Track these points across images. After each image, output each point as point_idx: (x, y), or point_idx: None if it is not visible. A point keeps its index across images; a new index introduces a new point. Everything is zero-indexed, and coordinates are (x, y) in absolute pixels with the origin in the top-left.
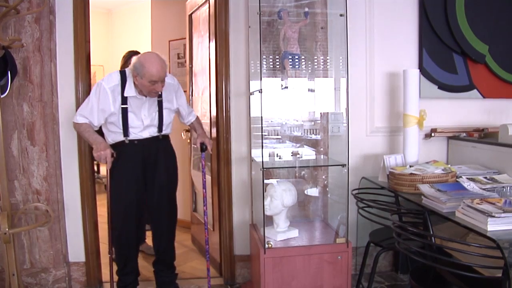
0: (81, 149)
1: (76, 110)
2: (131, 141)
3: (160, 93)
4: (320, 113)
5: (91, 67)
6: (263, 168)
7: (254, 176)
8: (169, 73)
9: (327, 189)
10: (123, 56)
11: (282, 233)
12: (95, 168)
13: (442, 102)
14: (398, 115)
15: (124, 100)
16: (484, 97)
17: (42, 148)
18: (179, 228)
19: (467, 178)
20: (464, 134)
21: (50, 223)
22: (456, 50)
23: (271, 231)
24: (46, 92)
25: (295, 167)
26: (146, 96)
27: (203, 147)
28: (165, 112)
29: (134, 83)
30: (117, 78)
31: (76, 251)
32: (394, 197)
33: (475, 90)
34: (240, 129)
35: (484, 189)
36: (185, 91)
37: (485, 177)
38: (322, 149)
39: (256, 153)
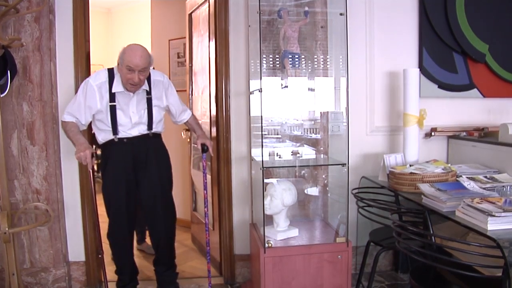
0: None
1: None
2: (121, 139)
3: (148, 90)
4: (320, 112)
5: (91, 66)
6: (263, 167)
7: (254, 176)
8: (169, 72)
9: (327, 188)
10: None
11: (282, 232)
12: (95, 167)
13: (442, 101)
14: (398, 114)
15: (112, 97)
16: (484, 96)
17: (42, 148)
18: (179, 228)
19: (467, 177)
20: (464, 134)
21: (50, 223)
22: (456, 49)
23: (271, 230)
24: (45, 92)
25: (295, 166)
26: (133, 93)
27: (204, 148)
28: (154, 109)
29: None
30: (104, 75)
31: (76, 250)
32: (394, 196)
33: (475, 89)
34: (240, 129)
35: (484, 189)
36: (184, 90)
37: (485, 177)
38: (322, 148)
39: (256, 153)
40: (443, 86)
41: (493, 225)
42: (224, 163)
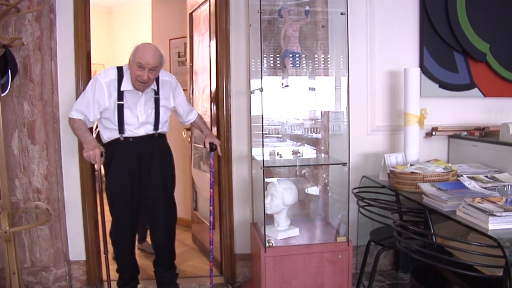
0: (81, 148)
1: None
2: (126, 138)
3: (156, 89)
4: (321, 111)
5: (92, 65)
6: (263, 166)
7: (255, 175)
8: (170, 71)
9: (328, 187)
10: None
11: (283, 231)
12: (95, 166)
13: (443, 101)
14: (399, 114)
15: (120, 96)
16: (485, 95)
17: (43, 147)
18: (179, 227)
19: (468, 177)
20: (465, 133)
21: (50, 222)
22: (457, 48)
23: (272, 229)
24: (46, 91)
25: (296, 165)
26: (142, 92)
27: (212, 147)
28: (161, 109)
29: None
30: (113, 73)
31: (77, 249)
32: (395, 196)
33: (476, 89)
34: (240, 128)
35: (485, 188)
36: (185, 90)
37: (486, 176)
38: (322, 147)
39: (256, 152)
40: (444, 85)
41: (494, 225)
42: (224, 163)
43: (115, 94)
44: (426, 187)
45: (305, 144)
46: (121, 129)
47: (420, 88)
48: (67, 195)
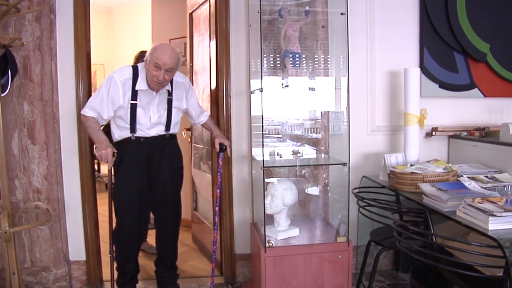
0: (81, 147)
1: (77, 109)
2: (137, 138)
3: (170, 90)
4: (321, 112)
5: (92, 66)
6: (263, 167)
7: (255, 175)
8: None
9: (328, 188)
10: (135, 56)
11: (283, 232)
12: (96, 166)
13: (443, 101)
14: (399, 114)
15: (134, 95)
16: (485, 96)
17: (43, 147)
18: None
19: (468, 177)
20: (465, 133)
21: (50, 222)
22: (457, 48)
23: (272, 230)
24: (46, 91)
25: (296, 166)
26: (156, 92)
27: (222, 148)
28: (174, 111)
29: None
30: (129, 72)
31: (77, 249)
32: (395, 196)
33: (476, 89)
34: (240, 128)
35: (485, 188)
36: None
37: (486, 176)
38: (322, 148)
39: (256, 152)
40: (444, 85)
41: (494, 225)
42: (224, 163)
43: (129, 93)
44: (426, 187)
45: (305, 144)
46: (133, 128)
47: (420, 88)
48: (67, 195)
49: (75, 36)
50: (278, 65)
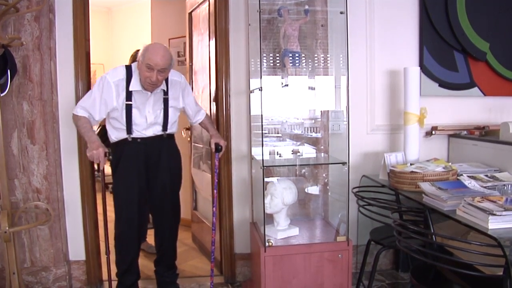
0: (81, 147)
1: None
2: (134, 139)
3: (165, 90)
4: (321, 111)
5: (91, 65)
6: (263, 166)
7: (255, 174)
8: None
9: (328, 187)
10: (131, 55)
11: (283, 231)
12: (95, 166)
13: (443, 100)
14: (399, 113)
15: (129, 96)
16: (485, 95)
17: (42, 147)
18: (179, 227)
19: (468, 176)
20: (465, 132)
21: (50, 222)
22: (457, 47)
23: (272, 229)
24: (46, 91)
25: (296, 165)
26: (151, 92)
27: (218, 148)
28: (170, 110)
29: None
30: (122, 72)
31: (77, 249)
32: (394, 195)
33: (476, 88)
34: (240, 127)
35: (485, 187)
36: None
37: (486, 175)
38: (322, 147)
39: (256, 151)
40: (443, 84)
41: (494, 224)
42: (224, 162)
43: (123, 94)
44: (426, 186)
45: (305, 144)
46: (129, 129)
47: (420, 87)
48: (66, 195)
49: (74, 36)
50: (278, 64)
